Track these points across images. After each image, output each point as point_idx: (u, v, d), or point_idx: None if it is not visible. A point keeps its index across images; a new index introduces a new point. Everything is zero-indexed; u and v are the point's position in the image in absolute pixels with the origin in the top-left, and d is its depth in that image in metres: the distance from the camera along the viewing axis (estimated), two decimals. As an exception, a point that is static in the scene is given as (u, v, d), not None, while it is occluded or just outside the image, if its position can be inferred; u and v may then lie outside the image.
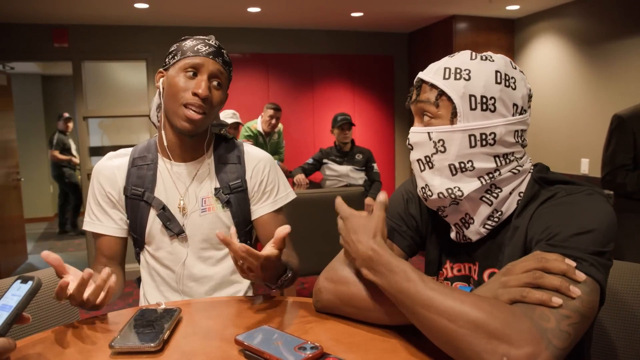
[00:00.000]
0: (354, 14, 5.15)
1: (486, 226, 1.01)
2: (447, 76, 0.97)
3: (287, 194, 1.57)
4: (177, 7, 4.66)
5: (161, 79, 1.44)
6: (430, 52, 5.67)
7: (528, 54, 5.12)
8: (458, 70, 0.96)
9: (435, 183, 0.99)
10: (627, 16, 3.96)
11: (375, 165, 4.61)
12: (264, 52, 5.74)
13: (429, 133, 0.99)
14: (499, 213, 1.00)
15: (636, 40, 3.89)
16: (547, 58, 4.85)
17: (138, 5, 4.51)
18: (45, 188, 8.46)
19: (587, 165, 4.36)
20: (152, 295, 1.49)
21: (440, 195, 0.99)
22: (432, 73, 0.99)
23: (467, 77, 0.95)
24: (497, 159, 0.97)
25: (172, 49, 1.42)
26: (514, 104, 0.96)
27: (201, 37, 1.44)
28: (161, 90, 1.43)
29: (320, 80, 5.94)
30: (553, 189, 0.96)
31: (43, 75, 8.25)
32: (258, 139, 4.87)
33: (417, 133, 1.01)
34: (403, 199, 1.19)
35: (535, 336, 0.73)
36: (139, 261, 1.52)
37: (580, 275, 0.80)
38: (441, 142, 0.97)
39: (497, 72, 0.96)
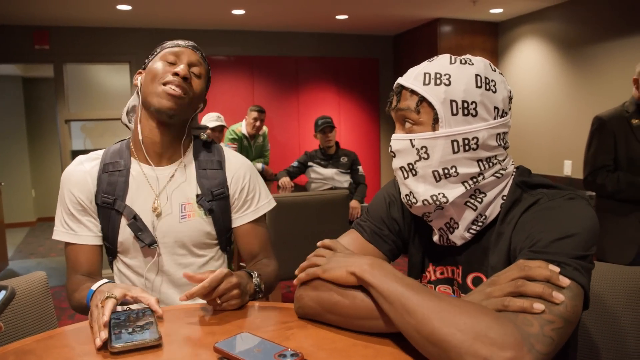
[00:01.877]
0: (338, 17, 5.15)
1: (470, 231, 1.01)
2: (427, 82, 0.96)
3: (268, 202, 1.55)
4: (160, 9, 4.63)
5: (139, 77, 1.43)
6: (416, 54, 5.69)
7: (512, 56, 5.16)
8: (438, 75, 0.95)
9: (420, 190, 0.98)
10: (608, 20, 4.01)
11: (360, 167, 4.61)
12: (249, 54, 5.72)
13: (411, 140, 0.98)
14: (483, 217, 0.99)
15: (617, 43, 3.94)
16: (531, 61, 4.89)
17: (121, 7, 4.47)
18: (27, 192, 8.33)
19: (570, 167, 4.40)
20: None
21: (425, 202, 0.98)
22: (411, 79, 0.98)
23: (447, 82, 0.94)
24: (480, 163, 0.96)
25: (154, 51, 1.46)
26: (495, 107, 0.96)
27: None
28: (139, 86, 1.41)
29: (306, 82, 5.94)
30: (535, 193, 0.96)
31: (24, 77, 8.12)
32: (243, 142, 4.84)
33: (399, 140, 1.00)
34: (385, 202, 1.18)
35: (518, 340, 0.73)
36: (112, 269, 1.48)
37: (565, 281, 0.79)
38: (424, 149, 0.96)
39: (477, 75, 0.95)
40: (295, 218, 3.23)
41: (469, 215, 0.99)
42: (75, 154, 5.47)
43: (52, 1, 4.22)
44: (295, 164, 4.65)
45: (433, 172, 0.96)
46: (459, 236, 1.02)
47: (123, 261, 1.43)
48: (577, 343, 1.04)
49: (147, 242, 1.37)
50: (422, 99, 0.96)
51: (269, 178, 4.85)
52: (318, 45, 5.98)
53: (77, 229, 1.38)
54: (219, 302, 1.14)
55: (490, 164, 0.97)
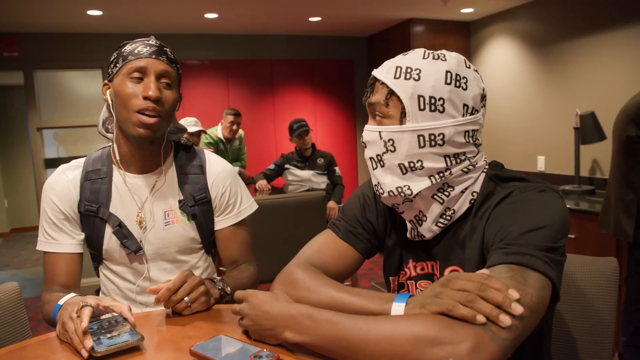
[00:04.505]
0: (312, 19, 5.16)
1: (438, 224, 1.02)
2: (397, 75, 0.97)
3: (250, 205, 1.55)
4: (131, 14, 4.57)
5: (108, 91, 1.36)
6: (389, 55, 5.63)
7: (484, 55, 5.23)
8: (408, 70, 0.96)
9: (386, 181, 1.01)
10: (576, 18, 4.09)
11: (337, 168, 4.62)
12: (223, 58, 5.69)
13: (379, 132, 1.00)
14: (451, 211, 1.01)
15: (584, 40, 4.02)
16: (502, 59, 4.96)
17: (91, 12, 4.40)
18: (-1, 203, 8.15)
19: (544, 163, 4.48)
20: None
21: (391, 193, 1.00)
22: (384, 71, 1.00)
23: (416, 77, 0.95)
24: (447, 158, 0.97)
25: (113, 57, 1.36)
26: (465, 105, 0.96)
27: (140, 39, 1.37)
28: (110, 102, 1.35)
29: (281, 85, 5.93)
30: (508, 186, 0.98)
31: (-7, 86, 7.95)
32: (219, 146, 4.82)
33: (369, 132, 1.02)
34: (359, 202, 1.19)
35: (477, 331, 0.74)
36: (97, 275, 1.47)
37: (517, 309, 0.75)
38: (391, 142, 0.98)
39: (447, 72, 0.95)
40: (273, 220, 3.23)
41: (435, 208, 1.01)
42: (48, 162, 5.37)
43: (20, 7, 4.14)
44: (272, 166, 4.65)
45: (399, 164, 0.98)
46: (427, 229, 1.03)
47: (109, 267, 1.42)
48: (552, 333, 1.07)
49: (133, 249, 1.36)
50: (392, 93, 0.97)
51: (246, 182, 4.84)
52: (292, 47, 5.99)
53: (58, 237, 1.36)
54: (186, 299, 1.12)
55: (458, 160, 0.98)
